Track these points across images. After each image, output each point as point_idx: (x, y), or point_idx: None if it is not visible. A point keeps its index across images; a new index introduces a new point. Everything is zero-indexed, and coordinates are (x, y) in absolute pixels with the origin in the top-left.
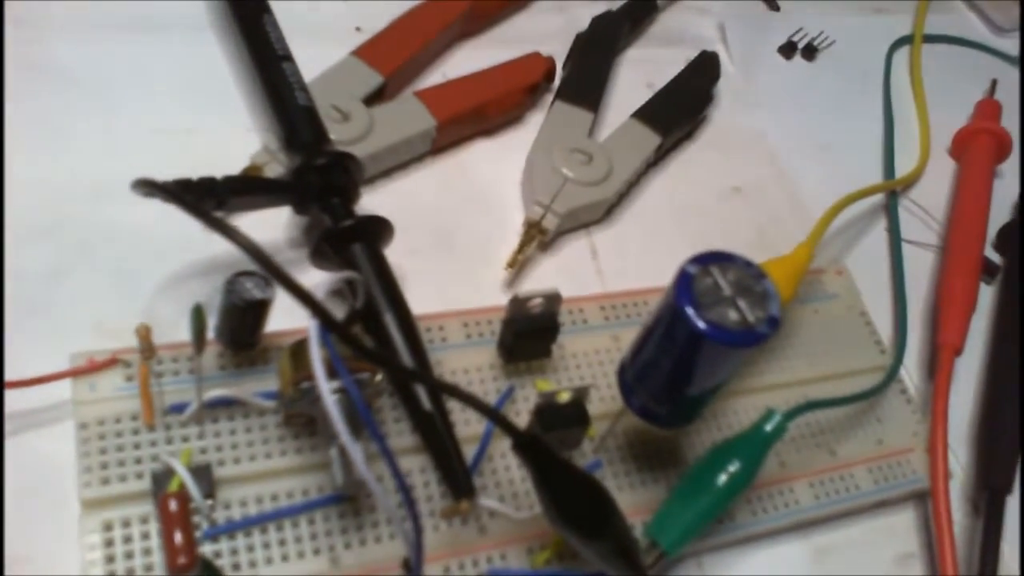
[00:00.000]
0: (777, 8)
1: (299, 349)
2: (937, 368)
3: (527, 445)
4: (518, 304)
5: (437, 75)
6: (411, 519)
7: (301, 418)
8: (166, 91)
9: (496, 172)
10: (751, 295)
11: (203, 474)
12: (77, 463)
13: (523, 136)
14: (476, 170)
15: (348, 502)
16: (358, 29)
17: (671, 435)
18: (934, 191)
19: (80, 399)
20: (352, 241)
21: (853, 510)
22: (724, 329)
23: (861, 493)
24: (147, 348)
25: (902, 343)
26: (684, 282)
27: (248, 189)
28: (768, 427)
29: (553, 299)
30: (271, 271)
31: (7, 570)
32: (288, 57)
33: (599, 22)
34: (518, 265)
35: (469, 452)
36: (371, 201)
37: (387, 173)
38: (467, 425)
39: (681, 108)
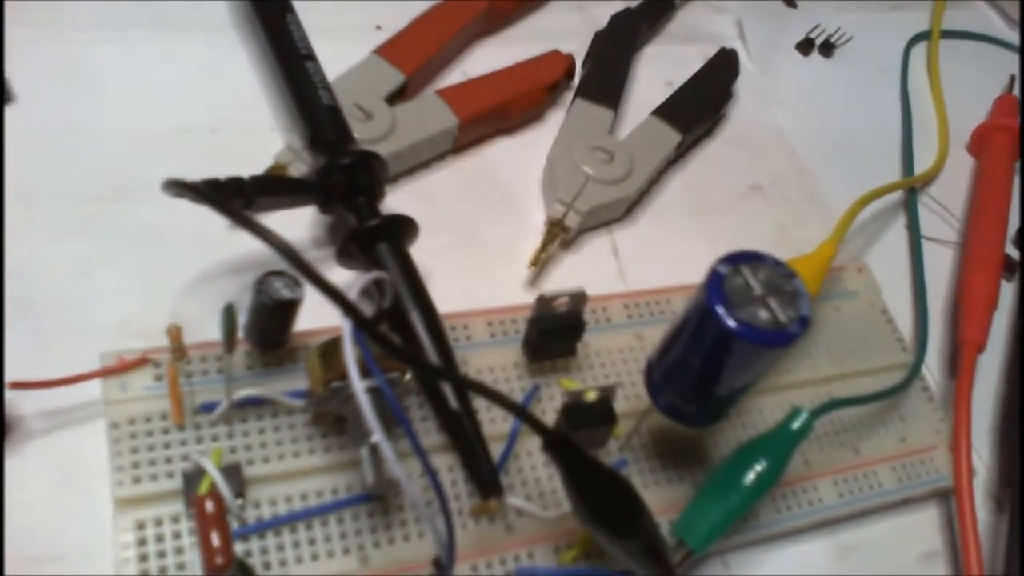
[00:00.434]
0: (795, 5)
1: (329, 348)
2: (959, 365)
3: (557, 444)
4: (544, 303)
5: (457, 73)
6: (443, 517)
7: (329, 417)
8: (190, 91)
9: (517, 170)
10: (782, 294)
11: (233, 474)
12: (110, 462)
13: (544, 134)
14: (498, 168)
15: (377, 501)
16: (378, 27)
17: (696, 434)
18: (953, 188)
19: (111, 399)
20: (378, 240)
21: (877, 508)
22: (755, 328)
23: (885, 491)
24: (178, 348)
25: (923, 340)
26: (715, 282)
27: (275, 188)
28: (795, 425)
29: (579, 298)
30: (303, 271)
31: (41, 570)
32: (311, 56)
33: (618, 19)
34: (541, 263)
35: (496, 451)
36: (394, 200)
37: (409, 172)
38: (493, 424)
39: (701, 105)
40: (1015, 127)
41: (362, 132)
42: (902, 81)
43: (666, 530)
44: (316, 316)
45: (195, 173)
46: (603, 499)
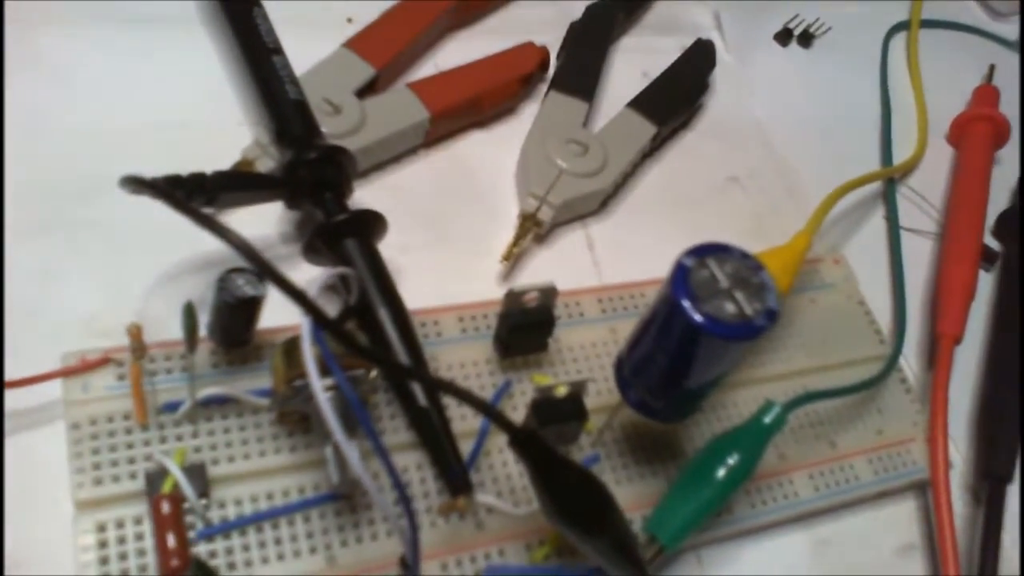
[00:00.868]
0: None
1: (292, 347)
2: (936, 357)
3: (524, 441)
4: (513, 298)
5: (430, 66)
6: (407, 516)
7: (295, 416)
8: (157, 86)
9: (490, 164)
10: (748, 287)
11: (197, 473)
12: (69, 464)
13: (517, 127)
14: (470, 162)
15: (344, 500)
16: (349, 20)
17: (669, 428)
18: (932, 178)
19: (72, 399)
20: (345, 236)
21: (853, 501)
22: (721, 322)
23: (861, 484)
24: (138, 347)
25: (901, 332)
26: (680, 275)
27: (239, 184)
28: (767, 419)
29: (549, 293)
30: (262, 267)
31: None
32: (278, 50)
33: (593, 10)
34: (513, 258)
35: (466, 447)
36: (364, 195)
37: (380, 166)
38: (463, 420)
39: (677, 97)
40: (994, 117)
41: (331, 126)
42: (881, 71)
43: (639, 526)
44: (281, 314)
45: (162, 169)
46: (571, 496)
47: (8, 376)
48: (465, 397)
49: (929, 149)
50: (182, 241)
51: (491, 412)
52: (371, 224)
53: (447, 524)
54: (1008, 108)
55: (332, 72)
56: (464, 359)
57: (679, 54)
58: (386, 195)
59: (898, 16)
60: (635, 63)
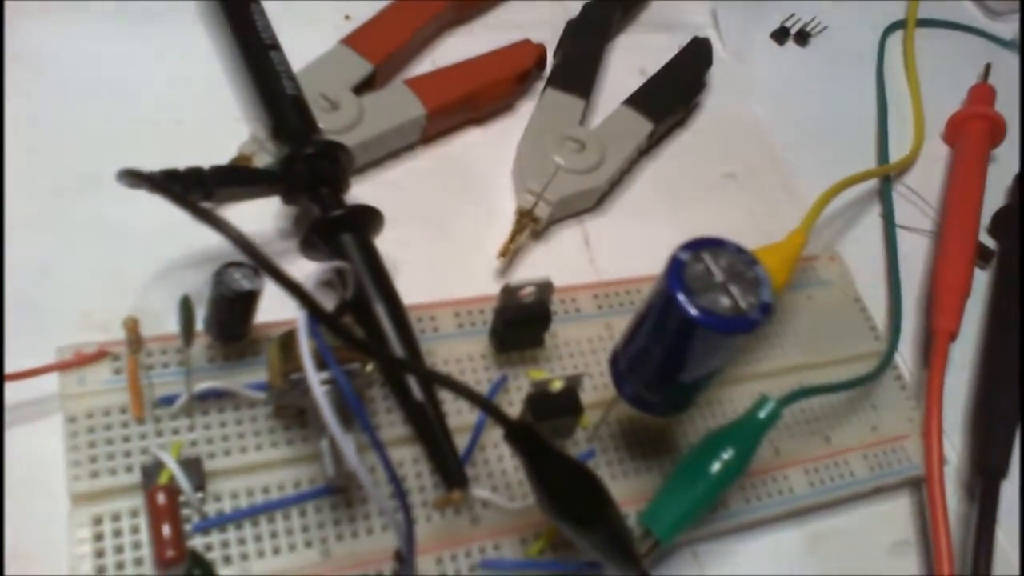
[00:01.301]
0: None
1: (288, 340)
2: (932, 354)
3: (519, 434)
4: (509, 293)
5: (427, 63)
6: (402, 510)
7: (291, 409)
8: (154, 81)
9: (487, 160)
10: (743, 281)
11: (193, 467)
12: (65, 457)
13: (514, 124)
14: (467, 159)
15: (340, 494)
16: (347, 17)
17: (665, 423)
18: (928, 176)
19: (68, 392)
20: (341, 231)
21: (848, 497)
22: (716, 315)
23: (856, 480)
24: (135, 340)
25: (897, 329)
26: (675, 268)
27: (236, 179)
28: (762, 414)
29: (545, 288)
30: (259, 261)
31: None
32: (276, 46)
33: (590, 8)
34: (510, 254)
35: (462, 442)
36: (361, 191)
37: (377, 162)
38: (459, 415)
39: (673, 95)
40: (990, 115)
41: (328, 122)
42: (878, 70)
43: (634, 520)
44: (278, 308)
45: (160, 164)
46: (566, 489)
47: (5, 369)
48: (460, 391)
49: (925, 147)
50: (179, 235)
51: (487, 406)
52: (367, 219)
53: (442, 518)
54: (1004, 107)
55: (329, 68)
56: (460, 354)
57: (676, 52)
58: (383, 191)
59: (894, 15)
60: (632, 61)
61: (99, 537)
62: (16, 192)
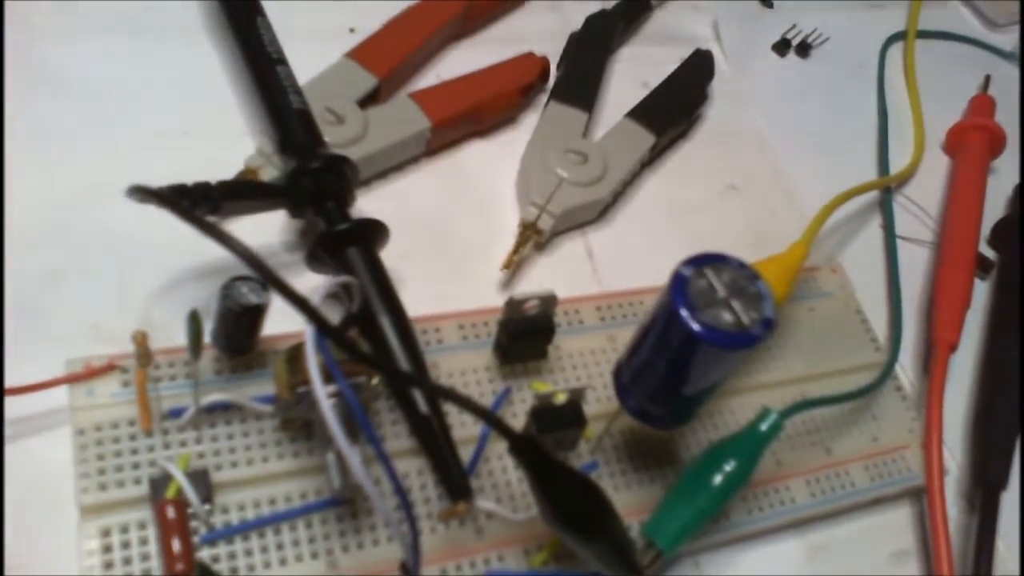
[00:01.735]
0: (771, 5)
1: (295, 354)
2: (932, 364)
3: (522, 447)
4: (514, 306)
5: (431, 76)
6: (408, 522)
7: (298, 422)
8: (162, 95)
9: (491, 173)
10: (745, 296)
11: (201, 479)
12: (75, 469)
13: (518, 137)
14: (471, 171)
15: (346, 505)
16: (352, 31)
17: (667, 435)
18: (929, 187)
19: (77, 405)
20: (347, 245)
21: (849, 508)
22: (718, 331)
23: (857, 491)
24: (144, 354)
25: (897, 340)
26: (678, 284)
27: (243, 193)
28: (764, 426)
29: (549, 300)
30: (266, 276)
31: None
32: (282, 60)
33: (593, 21)
34: (514, 266)
35: (467, 454)
36: (366, 203)
37: (382, 175)
38: (463, 427)
39: (675, 107)
40: (990, 126)
41: (333, 136)
42: (878, 81)
43: (637, 532)
44: (286, 321)
45: (167, 177)
46: (570, 501)
47: (14, 382)
48: (465, 404)
49: (925, 158)
50: (187, 249)
51: (491, 419)
52: (373, 233)
53: (447, 529)
54: (1004, 118)
55: (335, 82)
56: (465, 366)
57: (678, 64)
58: (388, 203)
59: (895, 26)
60: (635, 73)
61: (108, 549)
62: (27, 205)
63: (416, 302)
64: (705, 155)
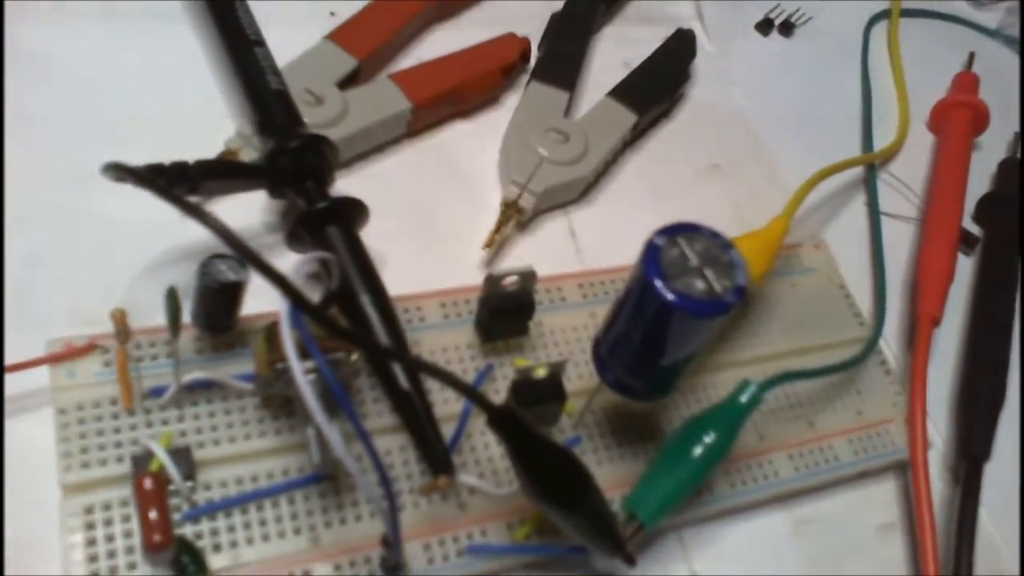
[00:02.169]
0: None
1: (273, 331)
2: (916, 339)
3: (500, 419)
4: (493, 282)
5: (412, 58)
6: (388, 497)
7: (279, 399)
8: (141, 78)
9: (473, 154)
10: (718, 265)
11: (183, 456)
12: (57, 448)
13: (500, 117)
14: (453, 152)
15: (328, 481)
16: (332, 14)
17: (649, 410)
18: (913, 164)
19: (58, 385)
20: (327, 223)
21: (833, 481)
22: (691, 299)
23: (841, 464)
24: (122, 332)
25: (881, 315)
26: (651, 254)
27: (221, 173)
28: (743, 398)
29: (528, 277)
30: (241, 252)
31: None
32: (260, 42)
33: (575, 2)
34: (495, 245)
35: (450, 431)
36: (348, 184)
37: (363, 156)
38: (446, 404)
39: (657, 86)
40: (974, 103)
41: (313, 117)
42: (862, 60)
43: (619, 505)
44: (266, 300)
45: (147, 159)
46: (550, 473)
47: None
48: (443, 377)
49: (910, 136)
50: (168, 229)
51: (469, 391)
52: (352, 211)
53: (430, 505)
54: (987, 94)
55: (314, 63)
56: (447, 344)
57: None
58: (370, 184)
59: (879, 5)
60: (616, 53)
61: (90, 526)
62: (7, 188)
63: (399, 282)
64: (688, 134)
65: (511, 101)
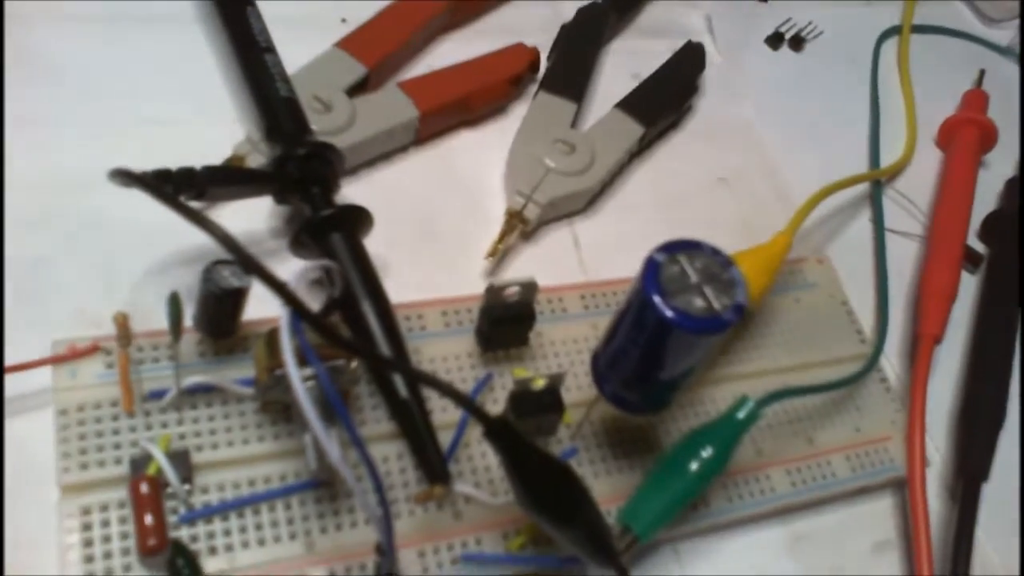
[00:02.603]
0: None
1: (273, 337)
2: (916, 357)
3: (496, 430)
4: (494, 292)
5: (422, 66)
6: (382, 504)
7: (278, 405)
8: (151, 82)
9: (479, 163)
10: (718, 282)
11: (181, 459)
12: (56, 449)
13: (507, 127)
14: (459, 161)
15: (324, 487)
16: (343, 20)
17: (647, 423)
18: (920, 181)
19: (60, 386)
20: (331, 231)
21: (830, 497)
22: (690, 316)
23: (838, 480)
24: (124, 335)
25: (883, 332)
26: (651, 270)
27: (228, 179)
28: (741, 414)
29: (529, 287)
30: (243, 259)
31: None
32: (271, 49)
33: (585, 12)
34: (499, 255)
35: (447, 439)
36: (354, 191)
37: (370, 163)
38: (445, 412)
39: (665, 98)
40: (982, 121)
41: (321, 124)
42: (872, 75)
43: (615, 518)
44: (269, 305)
45: (156, 164)
46: (544, 486)
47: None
48: (441, 387)
49: (918, 152)
50: (173, 234)
51: (465, 402)
52: (356, 219)
53: (425, 513)
54: (997, 113)
55: (323, 71)
56: (447, 352)
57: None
58: (376, 192)
59: (890, 21)
60: (626, 65)
61: (87, 527)
62: (13, 190)
63: (401, 289)
64: (695, 147)
65: (519, 111)
